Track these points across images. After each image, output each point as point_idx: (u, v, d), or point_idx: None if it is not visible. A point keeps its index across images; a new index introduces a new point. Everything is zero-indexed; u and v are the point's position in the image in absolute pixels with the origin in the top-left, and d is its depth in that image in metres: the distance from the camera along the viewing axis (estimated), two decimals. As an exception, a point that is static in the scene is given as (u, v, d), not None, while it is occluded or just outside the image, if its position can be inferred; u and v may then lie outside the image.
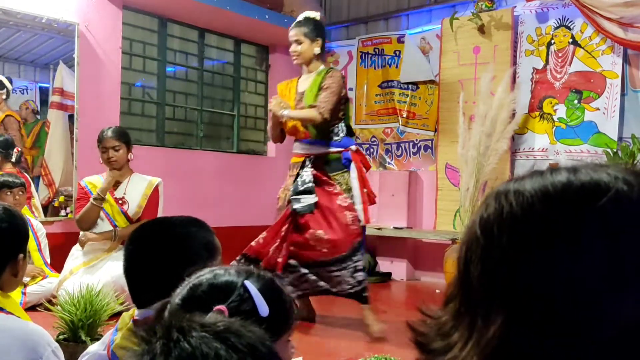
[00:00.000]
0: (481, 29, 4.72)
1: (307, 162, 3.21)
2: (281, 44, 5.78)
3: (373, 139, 5.64)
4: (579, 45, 4.36)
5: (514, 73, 4.62)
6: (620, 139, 4.14)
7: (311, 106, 3.16)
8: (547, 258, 0.46)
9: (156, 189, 3.70)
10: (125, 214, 3.61)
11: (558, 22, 4.47)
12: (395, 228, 4.97)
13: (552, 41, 4.50)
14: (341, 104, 3.25)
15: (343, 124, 3.28)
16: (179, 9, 4.80)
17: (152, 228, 1.34)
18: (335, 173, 3.21)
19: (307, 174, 3.17)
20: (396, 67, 5.46)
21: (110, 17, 4.53)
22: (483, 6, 4.71)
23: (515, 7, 4.64)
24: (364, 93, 5.67)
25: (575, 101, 4.38)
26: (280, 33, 5.38)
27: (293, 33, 3.31)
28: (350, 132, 3.34)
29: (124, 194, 3.64)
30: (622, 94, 4.18)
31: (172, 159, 4.96)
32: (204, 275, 0.89)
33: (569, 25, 4.42)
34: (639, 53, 4.06)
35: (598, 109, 4.25)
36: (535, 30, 4.58)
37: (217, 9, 4.78)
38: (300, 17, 3.34)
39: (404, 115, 5.38)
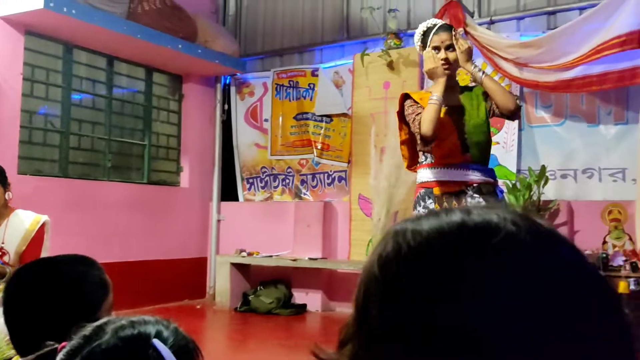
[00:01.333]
0: (390, 65, 4.92)
1: (470, 192, 2.51)
2: (195, 73, 5.73)
3: (289, 170, 5.67)
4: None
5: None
6: (518, 171, 4.41)
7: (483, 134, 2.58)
8: (445, 294, 0.47)
9: (42, 228, 3.27)
10: (6, 265, 3.26)
11: (461, 61, 4.74)
12: (310, 259, 4.98)
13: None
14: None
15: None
16: (86, 35, 4.64)
17: (36, 269, 1.21)
18: None
19: (479, 202, 2.50)
20: (311, 99, 5.55)
21: (11, 42, 4.30)
22: (392, 44, 4.92)
23: (421, 45, 4.87)
24: (279, 124, 5.71)
25: (478, 135, 4.63)
26: (194, 63, 5.34)
27: (443, 37, 2.52)
28: None
29: (2, 243, 3.24)
30: (520, 129, 4.47)
31: (77, 190, 4.71)
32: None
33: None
34: (533, 91, 4.38)
35: (498, 142, 4.52)
36: (440, 67, 4.83)
37: (126, 37, 4.66)
38: (446, 22, 2.69)
39: (319, 147, 5.46)
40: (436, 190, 2.58)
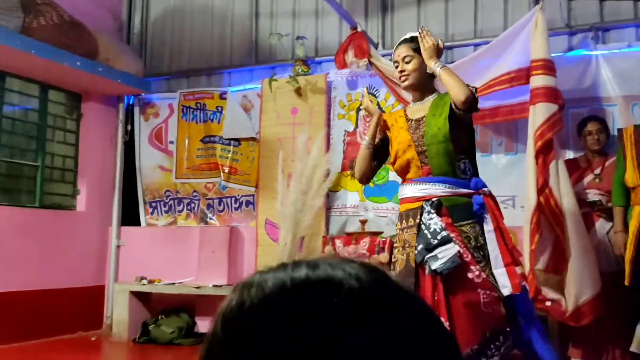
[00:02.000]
0: (298, 92, 4.97)
1: (427, 207, 2.44)
2: (96, 92, 5.49)
3: (194, 194, 5.53)
4: (384, 112, 4.79)
5: (328, 134, 4.90)
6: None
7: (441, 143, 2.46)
8: (283, 354, 0.46)
9: None
10: None
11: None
12: (215, 286, 4.85)
13: (361, 107, 4.87)
14: (469, 134, 2.58)
15: (469, 161, 2.55)
16: (-27, 48, 4.32)
17: None
18: (462, 224, 2.43)
19: (435, 221, 2.40)
20: (218, 122, 5.48)
21: None
22: (300, 70, 4.98)
23: (328, 73, 4.98)
24: (185, 147, 5.57)
25: (382, 162, 4.77)
26: (94, 81, 5.11)
27: (400, 51, 2.60)
28: (477, 174, 2.61)
29: None
30: (420, 157, 4.65)
31: (-43, 215, 4.32)
32: None
33: (375, 93, 4.85)
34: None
35: (401, 169, 4.68)
36: (346, 96, 4.95)
37: (20, 52, 4.38)
38: (406, 36, 2.69)
39: (226, 171, 5.38)
40: (401, 208, 2.61)
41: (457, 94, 2.39)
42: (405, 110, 2.72)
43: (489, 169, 4.42)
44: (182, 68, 5.77)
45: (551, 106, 3.66)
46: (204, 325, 5.04)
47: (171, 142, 5.64)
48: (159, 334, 4.81)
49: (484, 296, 2.32)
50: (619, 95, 4.09)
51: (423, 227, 2.42)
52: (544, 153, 3.63)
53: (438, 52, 2.53)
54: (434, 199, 2.45)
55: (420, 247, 2.39)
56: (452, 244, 2.33)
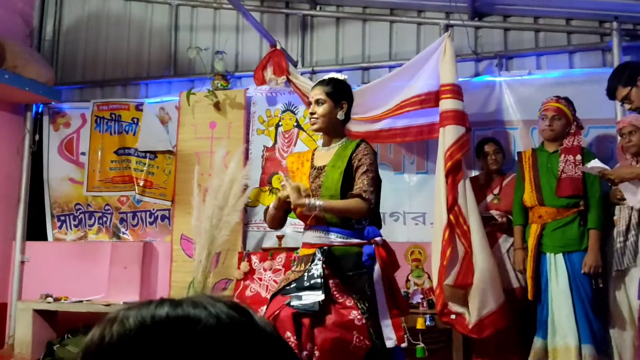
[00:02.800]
0: (217, 106, 4.94)
1: (319, 255, 2.51)
2: (1, 100, 5.20)
3: (107, 207, 5.34)
4: (302, 129, 4.86)
5: (246, 149, 4.90)
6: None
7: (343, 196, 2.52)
8: None
9: None
10: None
11: (285, 107, 4.93)
12: (125, 303, 4.68)
13: (280, 123, 4.93)
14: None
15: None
16: None
17: None
18: (350, 274, 2.50)
19: (317, 267, 2.47)
20: (134, 134, 5.33)
21: None
22: (219, 85, 4.95)
23: (248, 89, 4.99)
24: (98, 159, 5.38)
25: (299, 178, 4.82)
26: (-1, 89, 4.85)
27: (315, 92, 2.65)
28: (377, 221, 2.66)
29: None
30: (337, 174, 4.74)
31: None
32: None
33: (294, 110, 4.91)
34: (348, 139, 4.69)
35: (318, 186, 4.75)
36: (265, 111, 4.97)
37: None
38: (325, 77, 2.74)
39: (141, 184, 5.24)
40: (300, 252, 2.70)
41: (354, 216, 2.51)
42: (313, 154, 2.75)
43: (401, 187, 4.59)
44: (97, 77, 5.58)
45: (459, 128, 3.86)
46: (113, 344, 4.84)
47: (83, 154, 5.43)
48: (65, 354, 4.58)
49: (357, 340, 2.38)
50: (520, 119, 4.37)
51: (306, 272, 2.50)
52: (454, 173, 3.82)
53: (298, 192, 2.49)
54: (325, 248, 2.52)
55: (292, 285, 2.50)
56: (319, 292, 2.40)
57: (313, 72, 4.94)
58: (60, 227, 5.41)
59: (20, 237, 5.30)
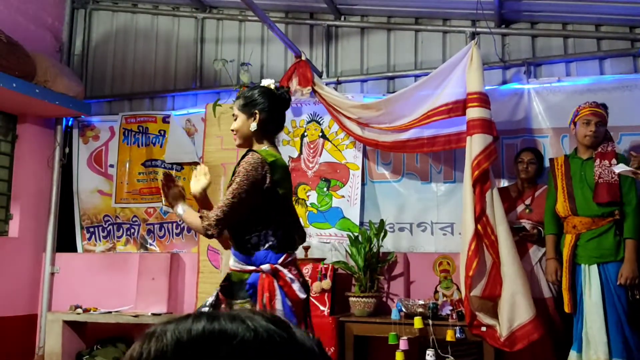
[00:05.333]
0: (243, 117, 4.96)
1: (223, 280, 2.44)
2: (32, 114, 5.32)
3: (134, 219, 5.40)
4: (327, 139, 4.86)
5: (272, 160, 4.90)
6: (361, 223, 4.63)
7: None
8: None
9: None
10: None
11: (310, 117, 4.94)
12: (154, 314, 4.72)
13: (305, 133, 4.94)
14: (275, 201, 2.35)
15: (272, 231, 2.33)
16: None
17: None
18: (237, 302, 2.35)
19: (213, 295, 2.43)
20: (161, 146, 5.40)
21: None
22: (244, 96, 4.98)
23: (273, 99, 5.00)
24: (126, 171, 5.45)
25: (325, 189, 4.81)
26: (30, 103, 4.96)
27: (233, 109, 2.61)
28: (286, 242, 2.37)
29: None
30: (363, 184, 4.72)
31: None
32: None
33: (319, 120, 4.91)
34: (374, 149, 4.67)
35: (343, 196, 4.73)
36: (290, 122, 4.98)
37: (-51, 71, 4.21)
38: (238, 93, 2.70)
39: (168, 196, 5.28)
40: None
41: (199, 232, 2.37)
42: None
43: (429, 196, 4.54)
44: (125, 91, 5.67)
45: (487, 137, 3.81)
46: (141, 355, 4.87)
47: (111, 166, 5.51)
48: (94, 365, 4.62)
49: None
50: (550, 127, 4.29)
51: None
52: (481, 182, 3.76)
53: (176, 198, 2.47)
54: (228, 273, 2.41)
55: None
56: None
57: (338, 83, 4.94)
58: (89, 239, 5.49)
59: (51, 249, 5.38)
